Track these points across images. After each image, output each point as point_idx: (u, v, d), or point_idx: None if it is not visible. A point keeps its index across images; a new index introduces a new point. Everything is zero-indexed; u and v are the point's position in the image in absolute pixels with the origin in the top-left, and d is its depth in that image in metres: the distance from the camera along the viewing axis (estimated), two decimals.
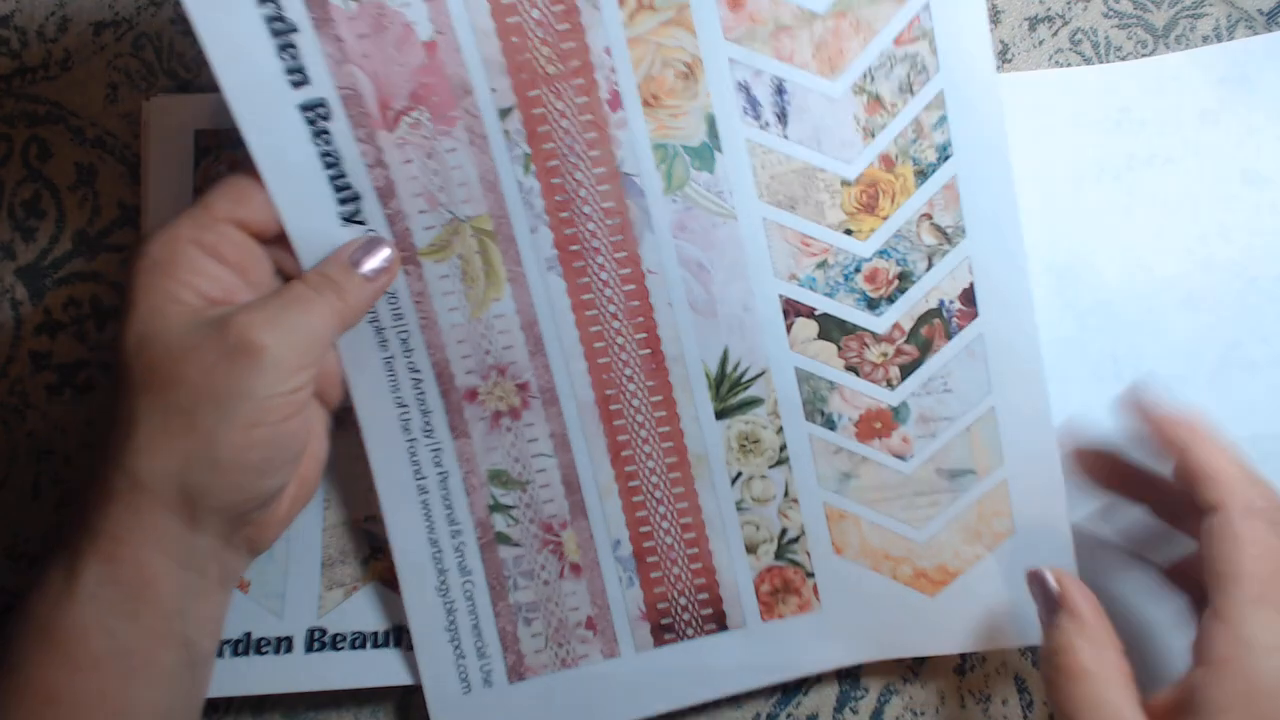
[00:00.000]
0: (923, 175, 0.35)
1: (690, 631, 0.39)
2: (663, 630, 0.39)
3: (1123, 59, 0.44)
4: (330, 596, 0.40)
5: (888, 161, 0.35)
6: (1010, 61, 0.44)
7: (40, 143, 0.44)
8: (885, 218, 0.35)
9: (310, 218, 0.35)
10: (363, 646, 0.40)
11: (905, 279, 0.36)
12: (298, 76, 0.34)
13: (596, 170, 0.35)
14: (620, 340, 0.37)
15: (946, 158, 0.34)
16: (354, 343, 0.37)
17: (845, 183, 0.35)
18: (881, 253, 0.35)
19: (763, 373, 0.37)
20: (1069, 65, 0.44)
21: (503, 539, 0.39)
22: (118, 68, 0.44)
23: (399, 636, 0.40)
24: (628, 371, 0.37)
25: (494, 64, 0.35)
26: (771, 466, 0.38)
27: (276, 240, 0.35)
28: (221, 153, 0.42)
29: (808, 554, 0.38)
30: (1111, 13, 0.44)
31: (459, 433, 0.38)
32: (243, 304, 0.33)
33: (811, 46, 0.34)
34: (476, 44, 0.34)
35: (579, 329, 0.37)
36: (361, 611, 0.40)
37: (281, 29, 0.34)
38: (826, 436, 0.37)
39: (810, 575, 0.39)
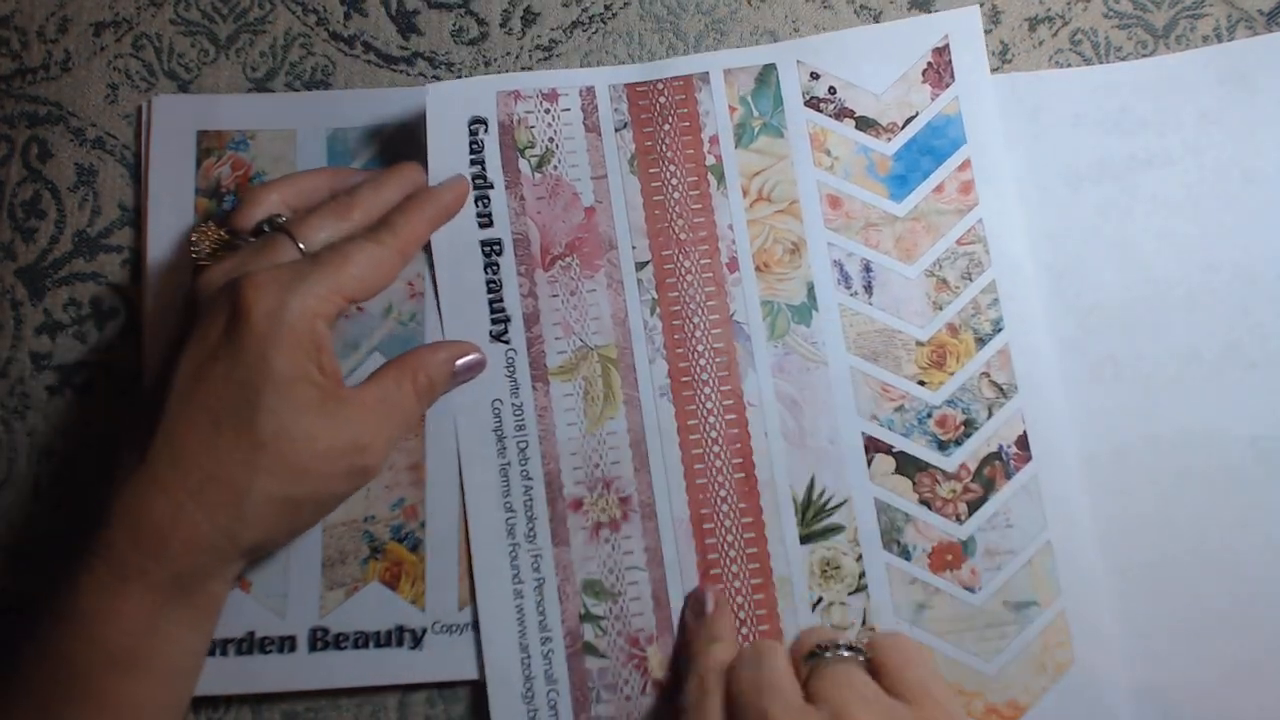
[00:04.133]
0: (981, 342, 0.42)
1: None
2: None
3: (1123, 59, 0.44)
4: (331, 596, 0.40)
5: (953, 329, 0.42)
6: (1010, 61, 0.44)
7: (40, 143, 0.44)
8: (952, 373, 0.42)
9: (467, 331, 0.42)
10: (365, 646, 0.40)
11: (970, 425, 0.41)
12: (485, 220, 0.43)
13: (711, 317, 0.43)
14: (719, 463, 0.42)
15: (999, 330, 0.42)
16: (473, 448, 0.42)
17: (919, 343, 0.42)
18: (949, 402, 0.42)
19: (845, 501, 0.41)
20: (1069, 65, 0.44)
21: (590, 649, 0.40)
22: (118, 68, 0.44)
23: (400, 637, 0.40)
24: (722, 493, 0.41)
25: (637, 228, 0.43)
26: (851, 593, 0.41)
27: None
28: (223, 153, 0.43)
29: None
30: (1111, 13, 0.44)
31: (559, 540, 0.41)
32: (365, 410, 0.37)
33: (893, 239, 0.43)
34: (626, 213, 0.43)
35: (682, 449, 0.42)
36: (363, 611, 0.40)
37: (482, 185, 0.43)
38: (902, 566, 0.41)
39: None
